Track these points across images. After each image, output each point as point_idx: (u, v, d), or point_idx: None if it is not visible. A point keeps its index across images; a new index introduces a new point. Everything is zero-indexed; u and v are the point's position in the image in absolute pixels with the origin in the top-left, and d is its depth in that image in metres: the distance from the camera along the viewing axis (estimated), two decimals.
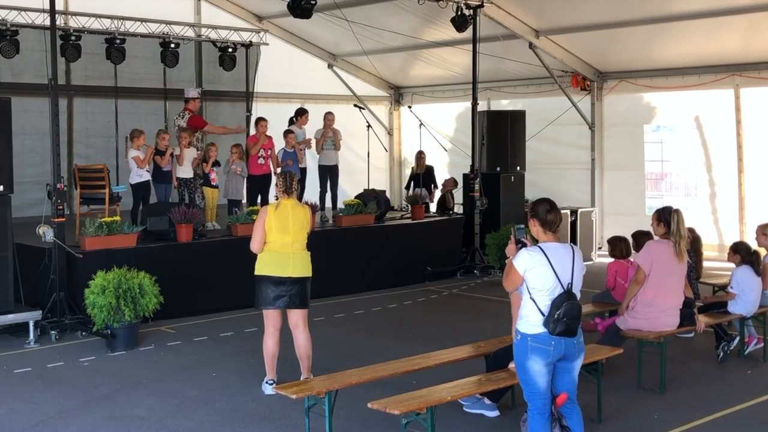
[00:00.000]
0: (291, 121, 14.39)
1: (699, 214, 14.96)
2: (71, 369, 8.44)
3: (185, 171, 12.34)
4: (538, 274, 5.38)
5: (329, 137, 14.14)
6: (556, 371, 5.50)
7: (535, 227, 5.57)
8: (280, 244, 7.44)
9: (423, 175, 16.22)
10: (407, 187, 16.79)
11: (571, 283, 5.41)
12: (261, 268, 7.52)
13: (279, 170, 13.16)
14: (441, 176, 16.96)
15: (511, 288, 5.65)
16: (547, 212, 5.51)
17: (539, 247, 5.46)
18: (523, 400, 5.59)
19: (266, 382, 7.57)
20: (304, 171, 13.95)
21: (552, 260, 5.37)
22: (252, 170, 12.95)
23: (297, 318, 7.58)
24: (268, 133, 13.17)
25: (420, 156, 16.62)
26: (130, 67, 15.23)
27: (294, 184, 7.58)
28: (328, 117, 14.19)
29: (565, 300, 5.33)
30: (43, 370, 8.36)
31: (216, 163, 12.78)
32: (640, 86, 16.25)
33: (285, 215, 7.45)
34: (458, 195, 15.82)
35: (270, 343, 7.56)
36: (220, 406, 7.23)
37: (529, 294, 5.43)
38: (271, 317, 7.56)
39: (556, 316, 5.31)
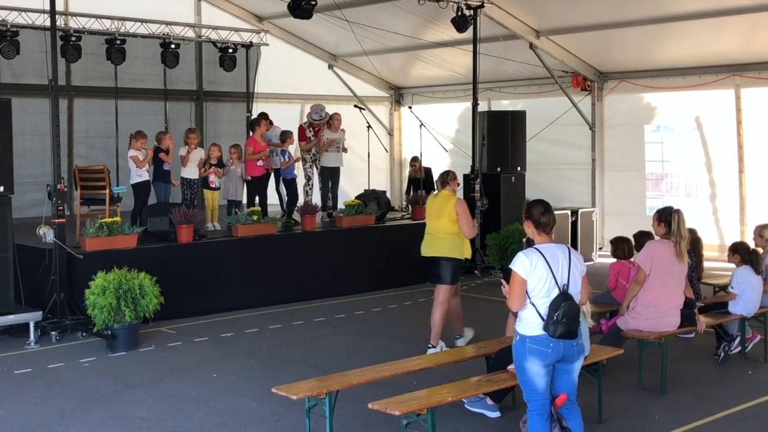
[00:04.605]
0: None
1: (699, 215, 14.93)
2: (72, 370, 8.44)
3: (190, 172, 12.34)
4: (537, 276, 5.37)
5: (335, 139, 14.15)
6: (555, 372, 5.49)
7: (529, 228, 5.60)
8: (429, 227, 8.97)
9: (423, 180, 16.23)
10: (407, 192, 16.76)
11: (567, 284, 5.41)
12: None
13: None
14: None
15: (518, 306, 5.43)
16: (541, 214, 5.54)
17: (536, 248, 5.47)
18: (524, 400, 5.59)
19: (427, 346, 8.70)
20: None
21: (549, 260, 5.39)
22: (250, 171, 12.91)
23: (442, 290, 8.78)
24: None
25: (414, 161, 16.61)
26: (130, 67, 15.25)
27: (448, 177, 8.97)
28: (336, 117, 14.19)
29: (562, 301, 5.33)
30: (44, 371, 8.35)
31: (219, 164, 12.65)
32: (640, 86, 16.24)
33: (432, 204, 9.01)
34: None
35: (435, 313, 8.81)
36: (221, 406, 7.23)
37: (529, 299, 5.41)
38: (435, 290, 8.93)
39: (555, 317, 5.29)
